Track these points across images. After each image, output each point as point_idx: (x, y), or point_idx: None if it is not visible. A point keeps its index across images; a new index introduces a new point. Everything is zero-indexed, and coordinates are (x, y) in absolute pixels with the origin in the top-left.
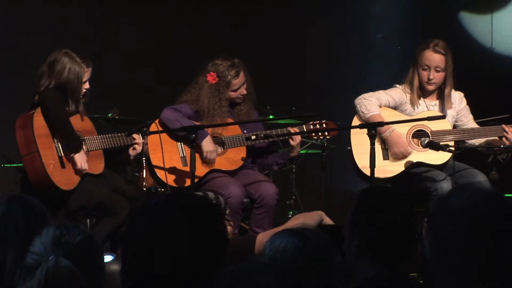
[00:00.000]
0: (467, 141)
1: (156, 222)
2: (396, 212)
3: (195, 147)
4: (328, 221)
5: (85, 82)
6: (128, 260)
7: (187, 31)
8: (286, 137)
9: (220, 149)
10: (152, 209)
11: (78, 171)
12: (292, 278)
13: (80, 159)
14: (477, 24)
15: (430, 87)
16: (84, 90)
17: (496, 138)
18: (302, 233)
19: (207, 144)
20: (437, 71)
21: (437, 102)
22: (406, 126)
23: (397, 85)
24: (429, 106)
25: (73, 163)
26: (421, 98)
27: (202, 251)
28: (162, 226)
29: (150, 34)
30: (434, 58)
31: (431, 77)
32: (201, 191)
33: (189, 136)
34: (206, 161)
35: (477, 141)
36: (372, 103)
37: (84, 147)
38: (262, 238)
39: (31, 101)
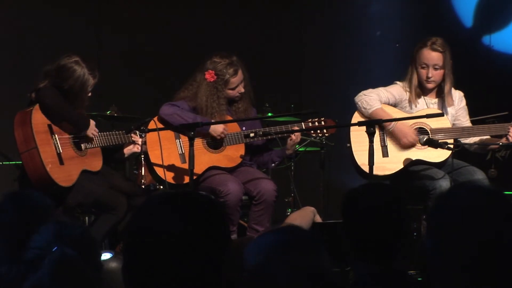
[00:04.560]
0: (463, 140)
1: (158, 219)
2: (381, 208)
3: (205, 135)
4: (317, 218)
5: (88, 91)
6: (129, 257)
7: (186, 29)
8: (285, 135)
9: (226, 129)
10: (154, 205)
11: (77, 167)
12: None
13: (91, 130)
14: (476, 22)
15: (430, 85)
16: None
17: (489, 136)
18: (285, 230)
19: (215, 128)
20: (436, 69)
21: (436, 100)
22: (405, 123)
23: (397, 82)
24: (428, 104)
25: (72, 160)
26: (421, 97)
27: (203, 248)
28: (164, 222)
29: (149, 32)
30: (432, 56)
31: (430, 75)
32: (199, 189)
33: (188, 134)
34: (221, 135)
35: (472, 140)
36: (373, 99)
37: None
38: None
39: (28, 98)
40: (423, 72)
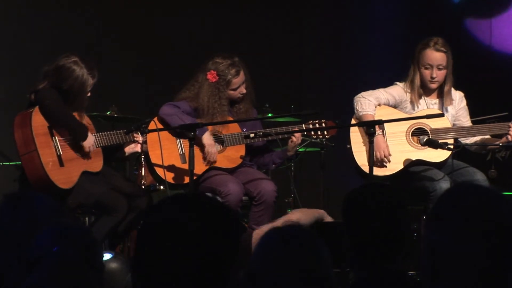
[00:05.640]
0: (463, 140)
1: (170, 221)
2: (381, 209)
3: (196, 143)
4: (328, 219)
5: (87, 92)
6: (139, 258)
7: (186, 30)
8: (285, 136)
9: (219, 147)
10: (166, 208)
11: (77, 169)
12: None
13: (88, 143)
14: (476, 22)
15: (433, 86)
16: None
17: (489, 136)
18: (283, 229)
19: (208, 138)
20: (439, 69)
21: (437, 100)
22: (405, 124)
23: (398, 83)
24: (429, 104)
25: (72, 161)
26: (422, 97)
27: (215, 251)
28: (176, 225)
29: (149, 32)
30: (436, 56)
31: (434, 75)
32: (199, 189)
33: (187, 134)
34: (206, 156)
35: (472, 140)
36: (369, 103)
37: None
38: (258, 234)
39: (28, 99)
40: (426, 72)
